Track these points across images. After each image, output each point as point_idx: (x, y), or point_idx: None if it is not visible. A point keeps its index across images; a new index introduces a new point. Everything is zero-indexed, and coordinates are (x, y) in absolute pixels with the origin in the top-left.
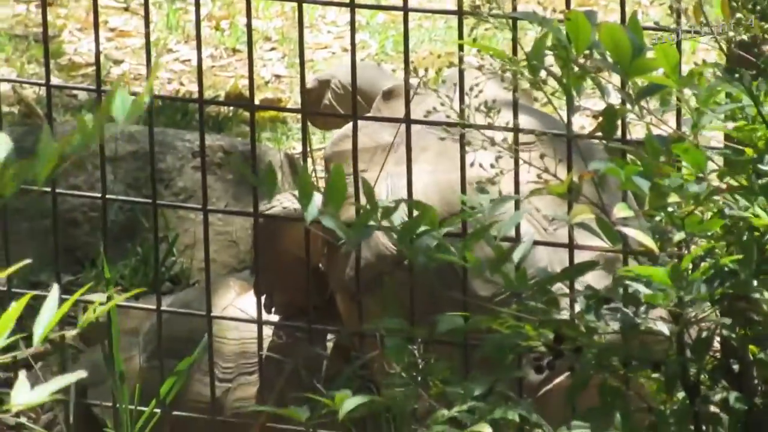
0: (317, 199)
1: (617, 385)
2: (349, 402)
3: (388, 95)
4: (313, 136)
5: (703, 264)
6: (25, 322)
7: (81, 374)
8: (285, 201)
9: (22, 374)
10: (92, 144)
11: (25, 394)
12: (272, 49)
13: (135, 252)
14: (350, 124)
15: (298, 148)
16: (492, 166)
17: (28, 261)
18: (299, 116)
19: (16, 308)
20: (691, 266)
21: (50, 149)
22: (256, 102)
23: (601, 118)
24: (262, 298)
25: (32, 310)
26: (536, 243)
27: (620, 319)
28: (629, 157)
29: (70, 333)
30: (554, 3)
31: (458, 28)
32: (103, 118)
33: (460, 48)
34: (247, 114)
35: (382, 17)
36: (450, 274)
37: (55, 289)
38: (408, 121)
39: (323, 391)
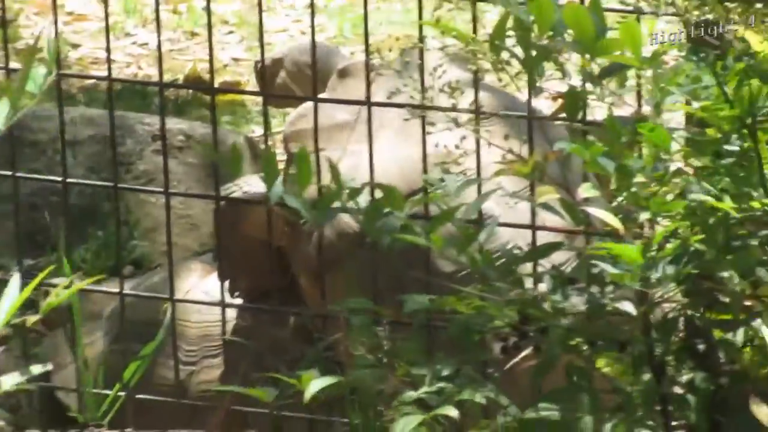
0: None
1: (583, 365)
2: (315, 383)
3: (343, 73)
4: (272, 119)
5: (669, 244)
6: None
7: (47, 367)
8: (245, 185)
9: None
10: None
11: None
12: (230, 32)
13: (96, 236)
14: (306, 104)
15: (258, 131)
16: (456, 147)
17: None
18: (258, 99)
19: None
20: (656, 246)
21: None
22: (215, 85)
23: (562, 100)
24: (226, 283)
25: None
26: (501, 225)
27: (586, 300)
28: (589, 137)
29: (33, 319)
30: None
31: (418, 9)
32: (20, 93)
33: (421, 29)
34: (206, 97)
35: (341, 0)
36: (413, 253)
37: (17, 274)
38: (369, 103)
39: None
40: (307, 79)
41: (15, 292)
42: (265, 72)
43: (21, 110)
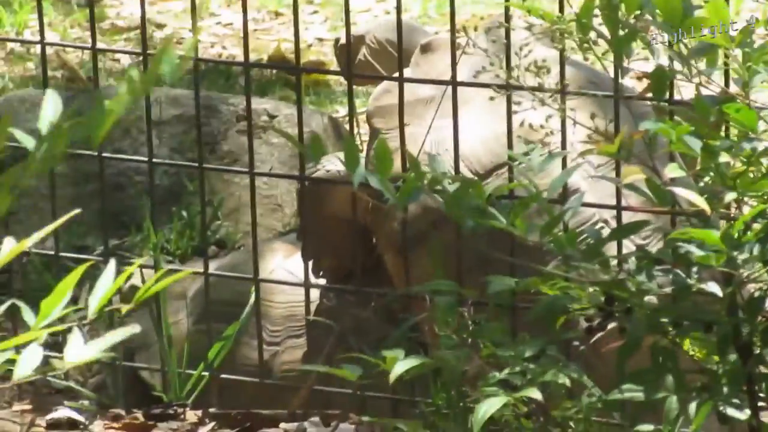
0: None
1: (668, 346)
2: (400, 364)
3: (426, 48)
4: (356, 99)
5: (756, 224)
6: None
7: (135, 329)
8: (329, 164)
9: (76, 330)
10: (139, 101)
11: (77, 350)
12: (314, 12)
13: (180, 216)
14: (385, 84)
15: (342, 111)
16: (542, 126)
17: (76, 211)
18: (342, 79)
19: (71, 278)
20: (743, 227)
21: (103, 111)
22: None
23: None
24: (310, 263)
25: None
26: (584, 205)
27: (672, 280)
28: (676, 117)
29: (126, 308)
30: None
31: None
32: (152, 77)
33: (507, 8)
34: (289, 77)
35: None
36: (497, 232)
37: (113, 260)
38: (454, 83)
39: (370, 353)
40: (389, 56)
41: (110, 280)
42: (348, 50)
43: (141, 96)
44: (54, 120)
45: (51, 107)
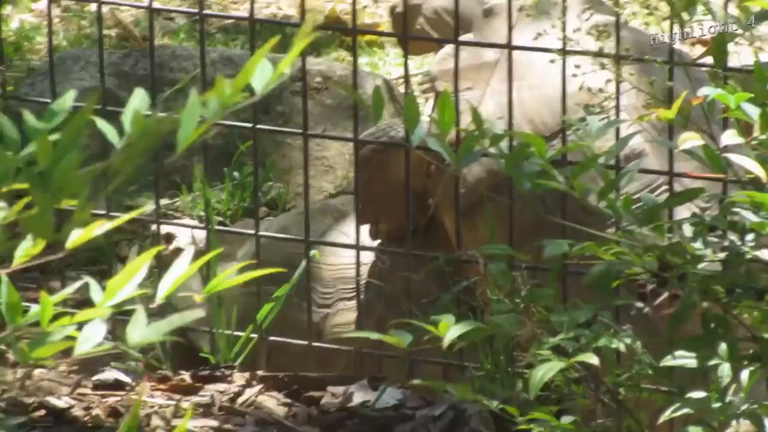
0: (423, 123)
1: (721, 313)
2: (453, 329)
3: (488, 13)
4: (410, 61)
5: None
6: (107, 248)
7: (199, 314)
8: (390, 130)
9: (141, 310)
10: (227, 111)
11: (140, 330)
12: None
13: (232, 176)
14: (447, 48)
15: (395, 73)
16: (600, 90)
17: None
18: (396, 41)
19: (141, 259)
20: None
21: (194, 115)
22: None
23: (704, 45)
24: (364, 226)
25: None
26: (641, 171)
27: (726, 247)
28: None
29: (200, 297)
30: None
31: None
32: (241, 86)
33: None
34: (344, 38)
35: None
36: (553, 197)
37: (192, 248)
38: (510, 47)
39: (421, 317)
40: (446, 25)
41: (184, 266)
42: (404, 11)
43: (232, 107)
44: (139, 116)
45: (137, 103)
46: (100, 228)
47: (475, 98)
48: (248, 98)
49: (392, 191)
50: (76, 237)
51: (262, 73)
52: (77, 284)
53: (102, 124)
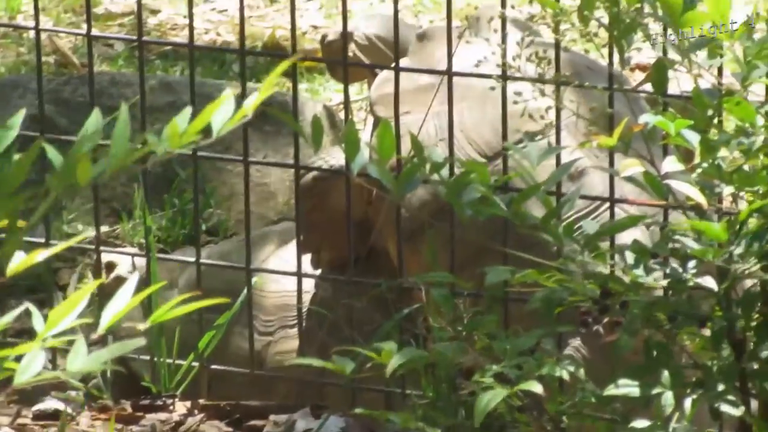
0: (363, 149)
1: (664, 340)
2: (397, 357)
3: (422, 37)
4: (350, 87)
5: (752, 219)
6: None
7: (140, 342)
8: (330, 158)
9: (81, 338)
10: (177, 150)
11: (81, 359)
12: None
13: (172, 203)
14: (385, 74)
15: (335, 99)
16: (542, 117)
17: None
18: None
19: (84, 291)
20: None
21: (124, 141)
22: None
23: (641, 71)
24: (309, 256)
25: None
26: (585, 197)
27: (668, 275)
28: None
29: (142, 327)
30: None
31: None
32: (199, 127)
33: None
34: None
35: None
36: (493, 224)
37: (136, 274)
38: (450, 73)
39: (363, 344)
40: (378, 51)
41: (128, 295)
42: (344, 36)
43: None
44: (92, 142)
45: (92, 129)
46: (39, 255)
47: (415, 122)
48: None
49: (333, 220)
50: (16, 264)
51: (223, 113)
52: (17, 312)
53: (50, 150)
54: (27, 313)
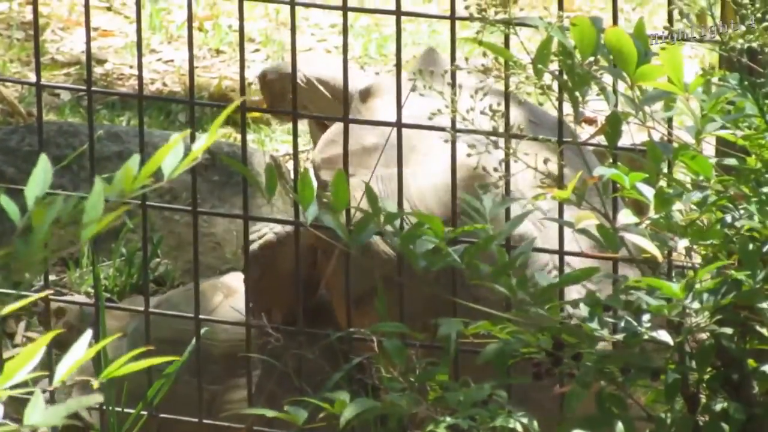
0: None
1: (617, 392)
2: (350, 407)
3: (366, 94)
4: (299, 138)
5: (705, 276)
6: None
7: (98, 398)
8: (275, 226)
9: (39, 392)
10: (132, 194)
11: (39, 413)
12: (256, 50)
13: (119, 252)
14: (334, 129)
15: (282, 150)
16: (495, 169)
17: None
18: (282, 118)
19: (40, 342)
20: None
21: (99, 205)
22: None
23: (586, 123)
24: (261, 314)
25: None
26: (535, 250)
27: (622, 328)
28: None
29: (96, 382)
30: (549, 5)
31: (451, 31)
32: (151, 170)
33: (453, 49)
34: (230, 115)
35: (366, 20)
36: (445, 277)
37: (90, 331)
38: (399, 125)
39: (313, 395)
40: (320, 94)
41: (82, 349)
42: (293, 86)
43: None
44: (41, 192)
45: (41, 176)
46: None
47: (358, 185)
48: (154, 182)
49: (282, 283)
50: None
51: (173, 158)
52: None
53: (6, 202)
54: None
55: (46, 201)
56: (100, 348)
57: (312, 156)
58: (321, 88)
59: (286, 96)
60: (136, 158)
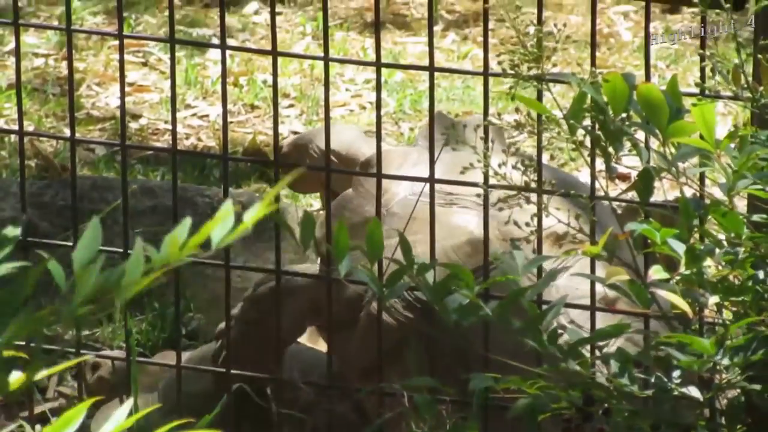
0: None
1: None
2: None
3: (366, 166)
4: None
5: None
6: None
7: None
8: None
9: None
10: (177, 263)
11: None
12: (290, 105)
13: (152, 307)
14: (345, 194)
15: (315, 205)
16: (527, 224)
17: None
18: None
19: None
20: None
21: (138, 266)
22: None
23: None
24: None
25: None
26: (566, 305)
27: (653, 383)
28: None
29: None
30: (582, 62)
31: (484, 87)
32: (200, 240)
33: (486, 105)
34: (264, 170)
35: (400, 76)
36: (474, 333)
37: (130, 402)
38: (432, 180)
39: None
40: (333, 165)
41: (123, 416)
42: (326, 141)
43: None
44: (89, 257)
45: (91, 241)
46: (38, 373)
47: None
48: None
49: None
50: (15, 380)
51: (223, 226)
52: (9, 429)
53: (54, 267)
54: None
55: (91, 263)
56: (133, 421)
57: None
58: (333, 158)
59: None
60: (186, 223)
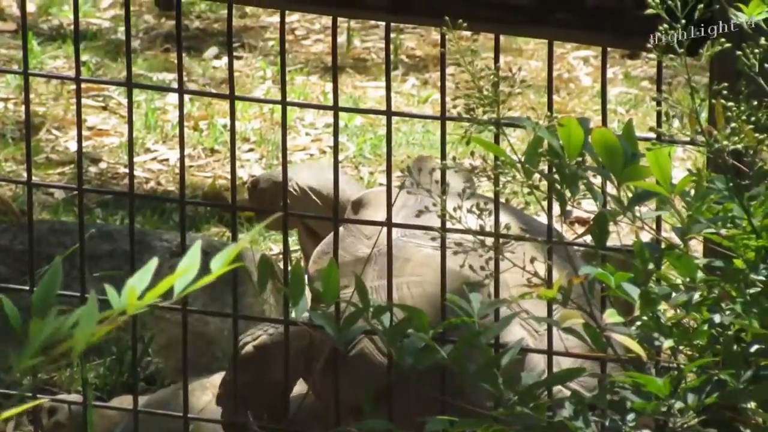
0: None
1: None
2: None
3: (357, 205)
4: (290, 237)
5: (691, 374)
6: None
7: None
8: (270, 327)
9: None
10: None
11: None
12: (250, 150)
13: (110, 351)
14: (327, 240)
15: (275, 249)
16: (482, 268)
17: None
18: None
19: None
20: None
21: (93, 316)
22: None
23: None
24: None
25: None
26: (524, 349)
27: (608, 427)
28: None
29: None
30: (540, 108)
31: (441, 131)
32: (160, 292)
33: (443, 150)
34: (223, 214)
35: (360, 120)
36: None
37: None
38: (389, 224)
39: None
40: (312, 203)
41: None
42: (284, 186)
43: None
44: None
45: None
46: None
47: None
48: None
49: (273, 388)
50: None
51: (186, 277)
52: None
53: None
54: None
55: (49, 306)
56: None
57: (307, 267)
58: (313, 197)
59: (276, 204)
60: (146, 272)
